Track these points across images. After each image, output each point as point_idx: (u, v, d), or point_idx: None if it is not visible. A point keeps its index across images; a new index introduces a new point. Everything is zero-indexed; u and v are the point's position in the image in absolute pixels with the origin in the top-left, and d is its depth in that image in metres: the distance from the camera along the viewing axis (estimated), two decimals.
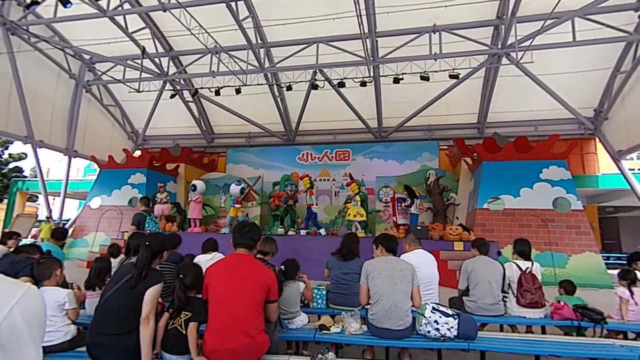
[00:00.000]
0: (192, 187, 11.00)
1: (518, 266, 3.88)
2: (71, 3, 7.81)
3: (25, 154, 24.89)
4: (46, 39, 10.58)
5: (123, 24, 10.03)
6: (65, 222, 13.71)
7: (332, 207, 13.24)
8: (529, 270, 3.84)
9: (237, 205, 10.30)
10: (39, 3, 7.86)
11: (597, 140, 12.23)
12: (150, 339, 2.31)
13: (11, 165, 24.35)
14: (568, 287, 4.34)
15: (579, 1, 8.61)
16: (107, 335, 2.36)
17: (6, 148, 24.39)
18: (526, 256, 3.99)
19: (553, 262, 8.50)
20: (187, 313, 2.49)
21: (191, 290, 2.61)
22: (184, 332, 2.42)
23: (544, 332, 3.92)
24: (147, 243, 2.55)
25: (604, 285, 7.85)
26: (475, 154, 10.42)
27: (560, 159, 9.47)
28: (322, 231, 10.14)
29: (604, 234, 16.55)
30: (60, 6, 7.97)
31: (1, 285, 0.76)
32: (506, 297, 3.92)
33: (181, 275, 2.61)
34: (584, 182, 12.40)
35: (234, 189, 10.42)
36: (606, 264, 8.95)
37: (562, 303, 3.82)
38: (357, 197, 10.03)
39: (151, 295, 2.37)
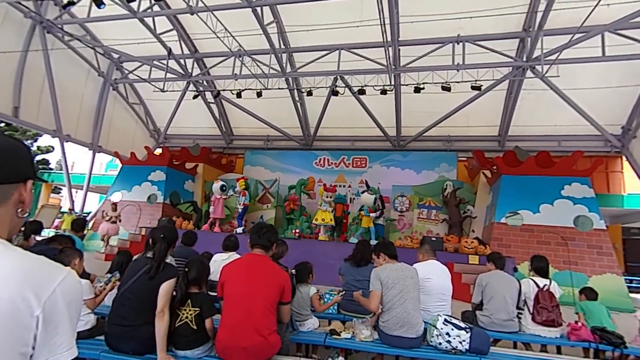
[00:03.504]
0: (223, 188, 10.89)
1: (535, 283, 3.80)
2: (104, 4, 8.13)
3: (53, 147, 25.86)
4: (79, 37, 11.02)
5: (152, 25, 10.37)
6: (86, 214, 14.13)
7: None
8: (546, 287, 3.76)
9: (371, 215, 9.75)
10: (74, 3, 8.21)
11: (624, 158, 11.84)
12: (165, 332, 2.38)
13: (39, 158, 25.32)
14: (589, 293, 4.23)
15: (609, 15, 8.41)
16: (124, 327, 2.44)
17: (35, 140, 25.38)
18: (544, 274, 3.90)
19: (572, 281, 8.24)
20: (195, 309, 2.54)
21: (194, 284, 2.66)
22: (195, 326, 2.48)
23: (559, 352, 3.81)
24: (162, 235, 2.64)
25: (625, 309, 7.55)
26: (494, 167, 10.24)
27: (583, 176, 9.22)
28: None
29: (627, 256, 15.89)
30: (94, 6, 8.31)
31: (46, 267, 0.81)
32: (521, 313, 3.83)
33: (186, 269, 2.69)
34: (608, 202, 12.00)
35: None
36: (629, 287, 8.63)
37: (579, 324, 3.71)
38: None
39: (165, 289, 2.43)
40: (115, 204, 10.79)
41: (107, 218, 10.23)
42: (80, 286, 0.87)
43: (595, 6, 6.68)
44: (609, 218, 12.99)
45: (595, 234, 8.64)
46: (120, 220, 10.57)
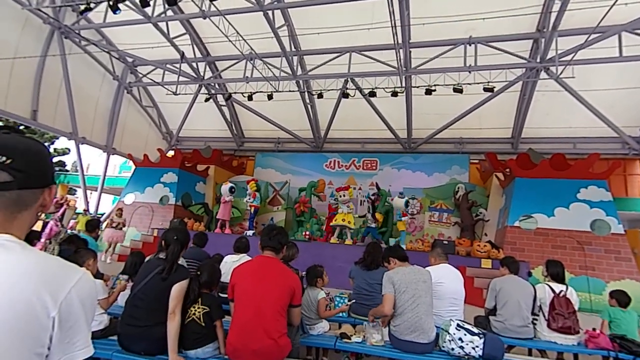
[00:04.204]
0: (232, 189, 10.93)
1: (551, 288, 3.71)
2: (120, 10, 8.28)
3: (69, 149, 26.40)
4: (95, 42, 11.26)
5: (165, 30, 10.54)
6: (100, 215, 14.38)
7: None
8: (563, 293, 3.66)
9: (404, 218, 9.76)
10: (91, 9, 8.39)
11: None
12: (177, 332, 2.40)
13: (55, 159, 25.91)
14: (621, 297, 3.93)
15: (626, 15, 8.23)
16: (137, 327, 2.46)
17: (52, 143, 25.97)
18: (560, 279, 3.80)
19: (589, 287, 8.05)
20: (204, 307, 2.58)
21: (206, 287, 2.75)
22: (203, 324, 2.53)
23: None
24: (175, 237, 2.67)
25: None
26: (507, 170, 10.09)
27: (600, 179, 9.00)
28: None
29: None
30: (109, 12, 8.47)
31: (62, 268, 0.82)
32: (536, 319, 3.74)
33: (198, 272, 2.78)
34: (627, 205, 11.67)
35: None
36: None
37: (597, 331, 3.61)
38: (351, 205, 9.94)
39: (177, 290, 2.46)
40: (120, 210, 10.57)
41: (113, 224, 9.91)
42: (95, 286, 0.88)
43: (612, 6, 6.54)
44: (628, 222, 12.63)
45: (613, 239, 8.42)
46: (124, 226, 10.22)
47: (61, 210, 9.64)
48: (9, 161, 0.80)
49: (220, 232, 10.50)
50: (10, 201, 0.82)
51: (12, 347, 0.70)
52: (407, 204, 9.80)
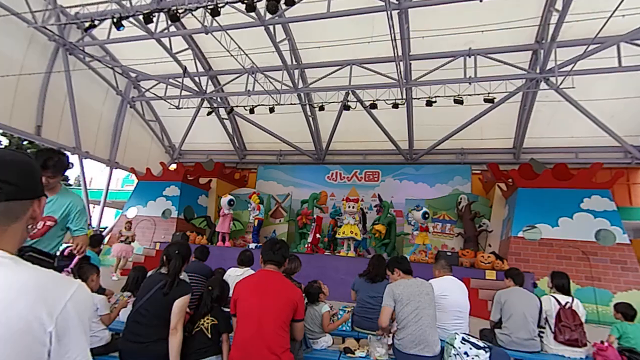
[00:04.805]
0: (231, 202, 10.90)
1: (557, 300, 3.66)
2: (123, 26, 8.45)
3: (72, 164, 26.51)
4: (99, 58, 11.46)
5: (168, 45, 10.71)
6: (102, 229, 14.37)
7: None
8: (569, 305, 3.61)
9: (416, 232, 9.84)
10: (95, 26, 8.55)
11: None
12: (179, 348, 2.38)
13: None
14: (627, 311, 3.82)
15: (624, 26, 8.30)
16: (139, 343, 2.44)
17: None
18: (565, 291, 3.75)
19: (595, 298, 7.93)
20: (212, 319, 2.59)
21: (218, 302, 2.79)
22: (209, 335, 2.53)
23: None
24: (176, 252, 2.66)
25: None
26: (510, 180, 10.06)
27: (603, 189, 8.96)
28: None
29: None
30: (113, 28, 8.64)
31: (56, 281, 0.83)
32: (542, 332, 3.68)
33: (210, 288, 2.79)
34: (632, 215, 11.58)
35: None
36: None
37: (606, 344, 3.54)
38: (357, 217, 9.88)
39: (179, 306, 2.44)
40: (129, 222, 10.28)
41: (121, 238, 9.49)
42: (91, 297, 0.88)
43: (610, 17, 6.61)
44: (633, 232, 12.51)
45: (618, 249, 8.33)
46: (133, 240, 9.81)
47: (74, 261, 9.44)
48: None
49: (222, 245, 10.47)
50: None
51: None
52: (424, 215, 9.73)
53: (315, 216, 10.60)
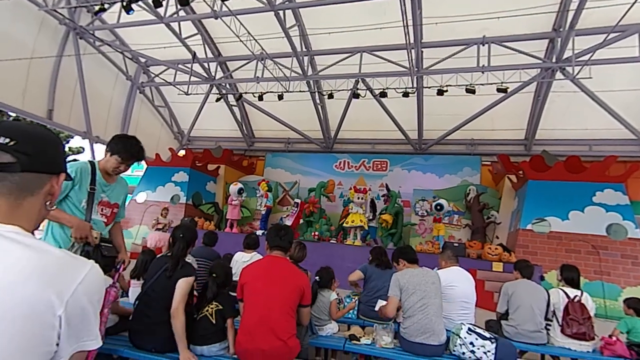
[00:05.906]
0: (240, 191, 10.97)
1: (565, 293, 3.62)
2: (133, 10, 8.39)
3: (83, 148, 26.85)
4: (109, 42, 11.44)
5: (177, 30, 10.64)
6: None
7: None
8: (577, 298, 3.58)
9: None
10: (105, 9, 8.52)
11: None
12: (183, 329, 2.39)
13: (70, 158, 26.42)
14: (637, 305, 3.78)
15: None
16: (146, 324, 2.48)
17: (67, 142, 26.47)
18: (575, 284, 3.72)
19: (604, 293, 7.86)
20: (217, 304, 2.58)
21: (222, 287, 2.77)
22: (214, 321, 2.52)
23: None
24: (181, 235, 2.68)
25: None
26: (520, 172, 9.92)
27: (617, 182, 8.79)
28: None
29: None
30: (123, 13, 8.59)
31: (68, 263, 0.81)
32: (549, 325, 3.66)
33: (214, 275, 2.77)
34: None
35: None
36: None
37: (614, 338, 3.51)
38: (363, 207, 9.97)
39: (181, 286, 2.46)
40: (166, 209, 9.36)
41: (158, 226, 8.75)
42: (103, 280, 0.87)
43: (633, 4, 6.37)
44: None
45: (630, 243, 8.21)
46: (170, 227, 8.78)
47: (116, 276, 9.28)
48: (12, 143, 0.79)
49: (230, 231, 10.56)
50: (13, 185, 0.80)
51: (19, 348, 0.69)
52: (437, 207, 10.00)
53: (298, 201, 10.85)
